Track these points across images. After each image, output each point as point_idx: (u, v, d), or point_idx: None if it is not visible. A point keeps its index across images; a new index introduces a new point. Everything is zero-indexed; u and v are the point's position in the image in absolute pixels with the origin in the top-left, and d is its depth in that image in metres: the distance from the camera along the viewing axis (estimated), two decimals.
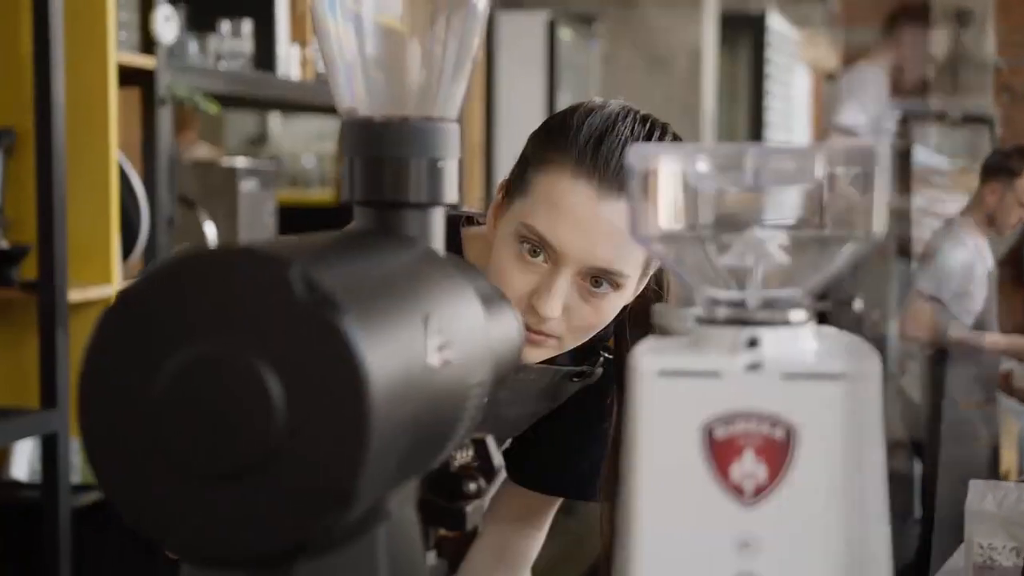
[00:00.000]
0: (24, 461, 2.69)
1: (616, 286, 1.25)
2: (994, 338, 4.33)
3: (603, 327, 1.30)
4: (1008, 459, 6.94)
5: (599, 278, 1.25)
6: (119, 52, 2.52)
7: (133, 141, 2.66)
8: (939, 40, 9.39)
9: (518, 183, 1.28)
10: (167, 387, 0.60)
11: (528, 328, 1.24)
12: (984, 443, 4.25)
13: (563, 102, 6.07)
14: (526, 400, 1.43)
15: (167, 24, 2.60)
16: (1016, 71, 9.92)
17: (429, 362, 0.66)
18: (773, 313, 0.68)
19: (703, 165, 0.68)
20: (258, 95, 3.09)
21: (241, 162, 3.11)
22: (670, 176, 0.68)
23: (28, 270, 2.38)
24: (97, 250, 2.45)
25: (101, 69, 2.43)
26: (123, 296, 0.61)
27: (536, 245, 1.24)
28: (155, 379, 0.60)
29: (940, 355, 4.33)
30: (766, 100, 7.42)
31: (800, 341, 0.67)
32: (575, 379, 1.43)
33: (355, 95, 0.79)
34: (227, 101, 3.13)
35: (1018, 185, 4.30)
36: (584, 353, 1.41)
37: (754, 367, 0.65)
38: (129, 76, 2.60)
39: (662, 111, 1.39)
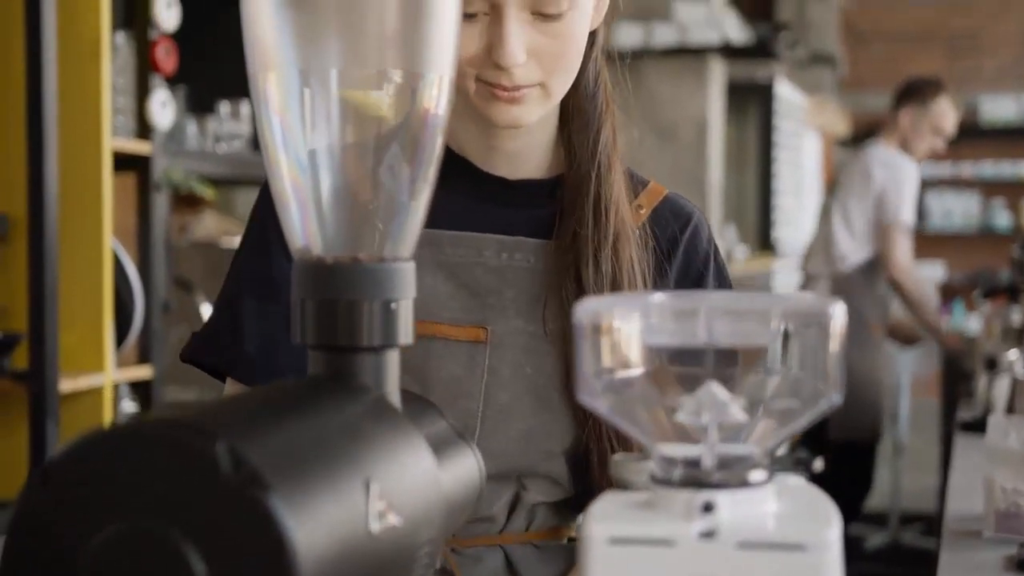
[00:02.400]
0: None
1: (569, 3, 1.16)
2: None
3: (581, 49, 1.20)
4: None
5: (545, 13, 1.15)
6: (115, 138, 2.51)
7: (129, 225, 2.65)
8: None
9: None
10: (89, 567, 0.58)
11: (503, 88, 1.16)
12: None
13: None
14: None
15: (163, 110, 2.60)
16: (862, 12, 9.93)
17: (371, 529, 0.63)
18: (730, 474, 0.65)
19: (655, 319, 0.66)
20: (256, 177, 3.09)
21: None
22: (621, 330, 0.66)
23: (19, 359, 2.36)
24: (90, 338, 2.43)
25: (96, 156, 2.43)
26: (46, 470, 0.59)
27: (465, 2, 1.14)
28: (78, 558, 0.58)
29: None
30: (775, 166, 7.42)
31: (759, 504, 0.65)
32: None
33: (307, 234, 0.77)
34: (226, 182, 3.12)
35: (932, 110, 4.28)
36: None
37: (708, 535, 0.63)
38: (125, 161, 2.60)
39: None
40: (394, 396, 0.75)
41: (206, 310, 2.91)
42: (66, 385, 2.36)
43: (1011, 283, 4.48)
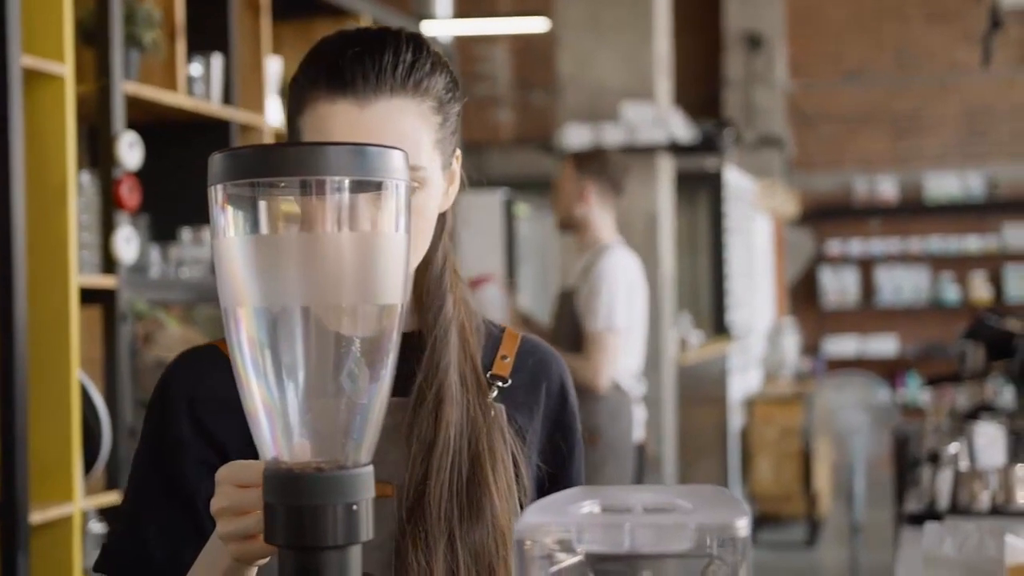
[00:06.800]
0: None
1: (420, 183, 1.21)
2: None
3: (431, 226, 1.24)
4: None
5: None
6: (81, 274, 2.60)
7: (95, 355, 2.73)
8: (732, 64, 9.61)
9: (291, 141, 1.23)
10: None
11: None
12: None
13: (523, 275, 6.18)
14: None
15: (127, 245, 2.69)
16: (807, 95, 10.22)
17: None
18: None
19: (587, 532, 0.76)
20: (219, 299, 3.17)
21: None
22: (557, 543, 0.76)
23: None
24: (59, 469, 2.50)
25: (63, 292, 2.51)
26: None
27: None
28: None
29: None
30: (727, 251, 7.57)
31: None
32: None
33: (277, 446, 0.87)
34: (190, 304, 3.21)
35: None
36: None
37: None
38: (91, 294, 2.68)
39: None
40: None
41: None
42: (36, 516, 2.43)
43: (955, 370, 4.60)
